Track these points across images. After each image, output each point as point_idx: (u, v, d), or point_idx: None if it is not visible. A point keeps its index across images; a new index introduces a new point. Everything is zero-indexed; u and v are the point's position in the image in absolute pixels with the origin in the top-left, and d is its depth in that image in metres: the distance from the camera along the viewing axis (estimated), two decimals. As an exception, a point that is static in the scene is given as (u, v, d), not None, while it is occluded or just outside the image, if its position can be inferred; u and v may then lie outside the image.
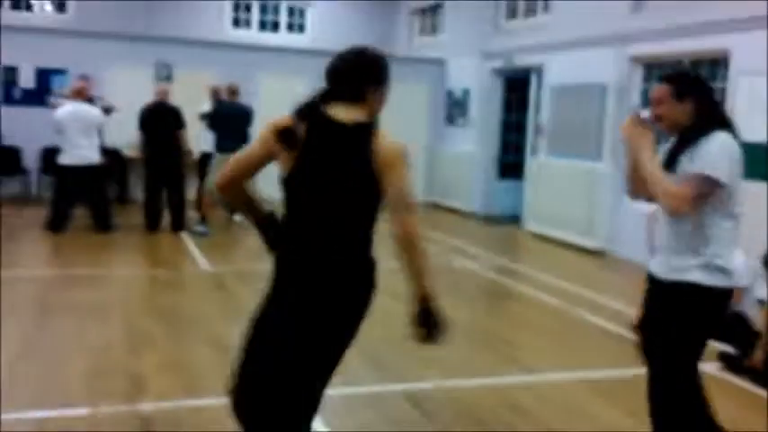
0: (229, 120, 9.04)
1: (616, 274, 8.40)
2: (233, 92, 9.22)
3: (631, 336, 5.72)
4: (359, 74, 2.66)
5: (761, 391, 4.75)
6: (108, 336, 5.22)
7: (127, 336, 5.24)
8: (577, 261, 8.96)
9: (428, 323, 2.67)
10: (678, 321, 3.08)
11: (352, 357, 4.86)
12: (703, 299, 3.04)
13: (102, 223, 9.20)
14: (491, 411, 4.17)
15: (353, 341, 2.75)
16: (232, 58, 11.98)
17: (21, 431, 3.63)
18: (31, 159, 11.51)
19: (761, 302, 5.74)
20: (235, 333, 5.25)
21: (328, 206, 2.62)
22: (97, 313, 5.78)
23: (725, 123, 3.11)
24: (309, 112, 2.64)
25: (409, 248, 2.60)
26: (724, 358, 5.22)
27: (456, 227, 11.12)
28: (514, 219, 11.28)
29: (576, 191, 9.56)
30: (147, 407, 3.97)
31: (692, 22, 7.95)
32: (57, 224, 9.04)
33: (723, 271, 3.03)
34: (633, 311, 6.12)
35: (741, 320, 5.67)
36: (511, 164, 11.98)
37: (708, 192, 2.94)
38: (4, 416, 3.72)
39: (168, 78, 11.71)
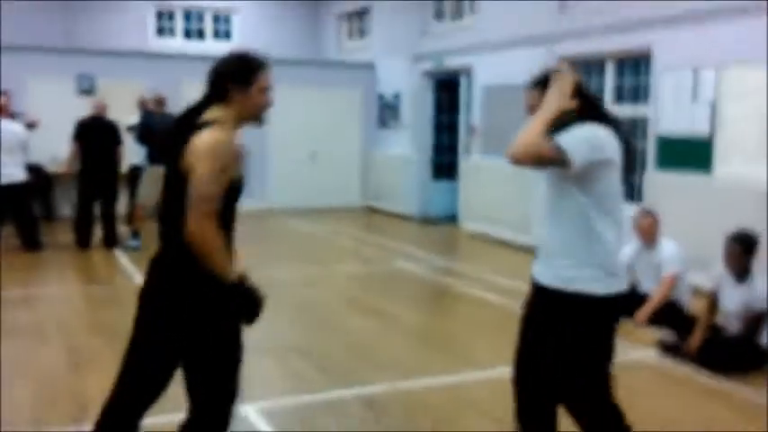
0: (158, 131, 8.88)
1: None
2: (159, 102, 9.06)
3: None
4: (218, 75, 2.73)
5: (698, 376, 4.91)
6: (50, 358, 5.07)
7: (70, 356, 5.09)
8: (513, 258, 9.11)
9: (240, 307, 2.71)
10: (569, 335, 2.89)
11: (304, 365, 4.88)
12: (593, 308, 2.86)
13: (31, 242, 8.92)
14: (446, 410, 4.21)
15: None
16: (157, 68, 11.78)
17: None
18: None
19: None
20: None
21: (163, 204, 2.74)
22: (36, 335, 5.61)
23: (601, 118, 2.91)
24: (186, 115, 2.74)
25: (194, 247, 2.55)
26: (662, 345, 5.39)
27: (394, 229, 11.18)
28: (452, 219, 11.40)
29: (510, 189, 9.72)
30: None
31: (616, 20, 8.19)
32: (-17, 244, 8.74)
33: (611, 275, 2.86)
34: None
35: (676, 307, 5.88)
36: (445, 165, 12.11)
37: (549, 156, 2.73)
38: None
39: (90, 91, 11.43)
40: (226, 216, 2.64)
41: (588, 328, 2.88)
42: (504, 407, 4.23)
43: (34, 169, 10.65)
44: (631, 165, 2.98)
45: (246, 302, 2.71)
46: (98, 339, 5.47)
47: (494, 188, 10.03)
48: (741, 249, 5.07)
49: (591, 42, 8.59)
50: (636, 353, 5.38)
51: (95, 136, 9.03)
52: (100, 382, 4.50)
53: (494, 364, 5.04)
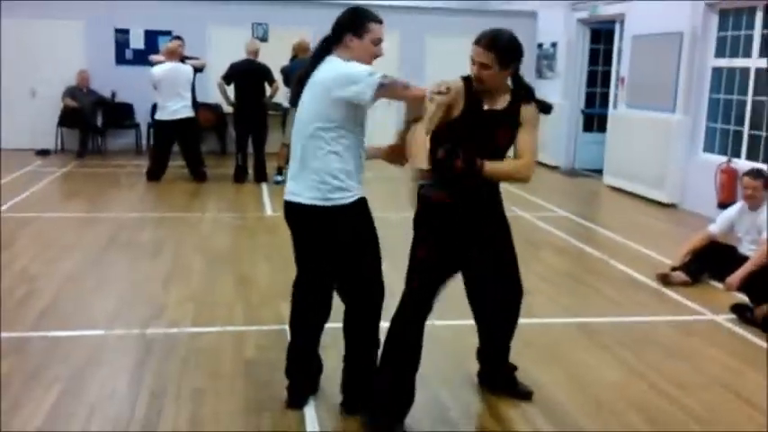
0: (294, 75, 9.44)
1: (678, 227, 8.19)
2: (303, 49, 9.58)
3: (656, 284, 5.76)
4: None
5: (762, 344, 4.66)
6: (152, 270, 5.82)
7: (169, 270, 5.80)
8: (646, 214, 8.80)
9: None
10: None
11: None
12: None
13: (196, 173, 9.93)
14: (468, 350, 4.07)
15: None
16: (325, 16, 12.31)
17: (39, 347, 4.22)
18: (141, 114, 12.47)
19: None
20: (259, 272, 5.76)
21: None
22: (154, 250, 6.42)
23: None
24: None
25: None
26: (735, 308, 5.15)
27: (539, 180, 10.93)
28: (599, 172, 11.12)
29: (651, 143, 9.34)
30: (153, 331, 4.48)
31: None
32: (154, 174, 9.86)
33: None
34: (668, 260, 6.14)
35: (764, 274, 5.51)
36: (597, 117, 11.81)
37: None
38: (20, 333, 4.38)
39: (264, 38, 12.27)
40: None
41: None
42: (531, 354, 4.25)
43: (212, 108, 11.76)
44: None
45: None
46: (201, 259, 6.16)
47: (636, 142, 9.67)
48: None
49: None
50: (710, 315, 5.20)
51: (246, 78, 9.77)
52: (180, 295, 5.19)
53: (545, 314, 5.06)
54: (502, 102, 3.33)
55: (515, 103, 3.32)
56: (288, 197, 3.32)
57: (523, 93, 3.34)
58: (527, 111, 3.33)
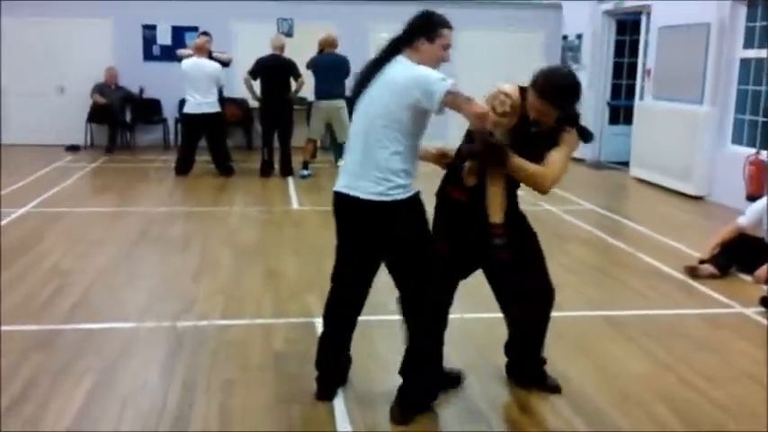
0: (326, 69, 9.51)
1: (706, 219, 8.13)
2: (330, 43, 9.62)
3: (684, 277, 5.73)
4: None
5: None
6: (182, 264, 5.89)
7: (199, 264, 5.88)
8: (673, 206, 8.74)
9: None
10: None
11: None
12: None
13: (222, 168, 10.02)
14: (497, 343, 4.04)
15: None
16: (350, 12, 12.34)
17: (71, 339, 4.30)
18: (169, 110, 12.59)
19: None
20: (287, 265, 5.81)
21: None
22: (183, 244, 6.50)
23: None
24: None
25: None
26: (765, 302, 5.11)
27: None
28: (625, 164, 11.05)
29: (678, 135, 9.26)
30: (184, 324, 4.54)
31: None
32: (182, 168, 9.96)
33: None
34: (696, 253, 6.10)
35: (794, 266, 5.48)
36: (623, 109, 11.74)
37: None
38: (52, 326, 4.47)
39: (290, 33, 12.32)
40: None
41: None
42: (559, 348, 4.24)
43: (238, 103, 11.82)
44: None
45: None
46: (229, 253, 6.22)
47: (662, 133, 9.60)
48: None
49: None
50: (739, 307, 5.17)
51: (272, 73, 9.81)
52: (210, 289, 5.25)
53: (569, 307, 5.03)
54: (549, 125, 3.42)
55: (559, 127, 3.40)
56: (343, 189, 3.33)
57: (568, 118, 3.42)
58: (568, 135, 3.41)
